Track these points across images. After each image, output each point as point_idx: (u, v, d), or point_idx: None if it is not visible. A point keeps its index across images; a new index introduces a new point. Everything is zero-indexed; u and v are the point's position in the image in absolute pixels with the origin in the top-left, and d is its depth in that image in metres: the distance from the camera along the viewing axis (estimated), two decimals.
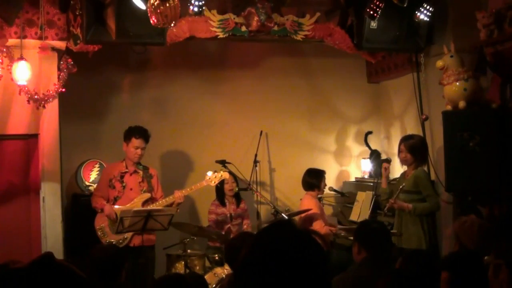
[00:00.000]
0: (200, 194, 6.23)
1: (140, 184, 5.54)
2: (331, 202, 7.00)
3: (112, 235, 5.27)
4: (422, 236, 5.28)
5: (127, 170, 5.54)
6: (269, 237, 1.46)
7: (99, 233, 5.39)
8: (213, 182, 5.66)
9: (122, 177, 5.52)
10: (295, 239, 1.45)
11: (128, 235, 5.27)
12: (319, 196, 6.25)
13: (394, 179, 5.99)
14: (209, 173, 5.66)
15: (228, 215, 6.09)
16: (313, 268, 1.41)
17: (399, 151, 5.56)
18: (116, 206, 5.38)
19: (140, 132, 5.49)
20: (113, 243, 5.20)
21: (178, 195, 5.44)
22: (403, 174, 5.65)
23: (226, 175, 5.74)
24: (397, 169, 6.23)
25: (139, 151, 5.49)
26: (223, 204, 6.12)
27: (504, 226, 1.75)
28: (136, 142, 5.47)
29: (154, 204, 5.41)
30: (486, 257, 2.82)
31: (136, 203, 5.39)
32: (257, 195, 6.16)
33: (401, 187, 5.35)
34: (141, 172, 5.57)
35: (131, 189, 5.50)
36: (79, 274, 1.46)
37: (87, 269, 3.57)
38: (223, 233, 5.76)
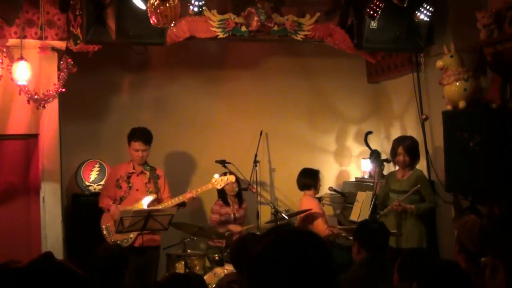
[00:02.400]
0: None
1: (147, 185, 5.55)
2: (331, 202, 7.00)
3: (117, 234, 5.27)
4: (423, 235, 5.35)
5: (134, 170, 5.55)
6: (279, 242, 1.52)
7: (104, 232, 5.40)
8: (219, 185, 5.66)
9: (129, 177, 5.53)
10: (303, 242, 1.51)
11: (133, 235, 5.28)
12: (319, 196, 6.25)
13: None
14: (216, 176, 5.67)
15: (232, 215, 6.09)
16: (322, 269, 1.44)
17: (397, 154, 5.56)
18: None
19: (139, 135, 5.47)
20: (118, 242, 5.20)
21: (189, 196, 5.44)
22: (393, 175, 5.63)
23: (232, 178, 5.75)
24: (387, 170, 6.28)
25: (139, 153, 5.48)
26: (226, 203, 6.12)
27: (502, 226, 1.73)
28: (135, 145, 5.47)
29: (162, 204, 5.41)
30: (483, 259, 2.81)
31: (141, 204, 5.39)
32: (257, 195, 6.16)
33: (414, 188, 5.37)
34: (148, 173, 5.57)
35: (137, 189, 5.51)
36: (79, 274, 1.46)
37: (90, 268, 3.57)
38: (226, 234, 5.74)
